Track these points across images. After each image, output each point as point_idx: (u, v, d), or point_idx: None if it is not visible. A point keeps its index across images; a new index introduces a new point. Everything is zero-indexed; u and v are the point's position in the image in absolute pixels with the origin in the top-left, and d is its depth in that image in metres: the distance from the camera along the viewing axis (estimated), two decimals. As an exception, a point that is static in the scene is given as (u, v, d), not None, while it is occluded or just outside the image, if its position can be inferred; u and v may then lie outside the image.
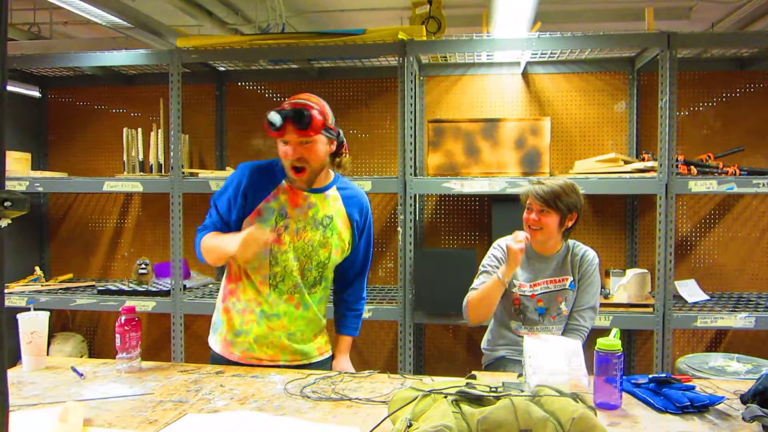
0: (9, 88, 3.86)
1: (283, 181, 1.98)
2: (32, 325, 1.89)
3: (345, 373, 1.92)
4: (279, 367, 1.97)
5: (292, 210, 1.96)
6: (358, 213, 2.07)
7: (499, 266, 2.39)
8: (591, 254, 2.45)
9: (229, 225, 1.98)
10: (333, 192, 2.04)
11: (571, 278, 2.42)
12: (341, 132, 2.00)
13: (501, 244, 2.47)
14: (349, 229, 2.05)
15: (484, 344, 2.59)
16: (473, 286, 2.42)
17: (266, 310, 1.97)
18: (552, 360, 1.65)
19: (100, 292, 3.48)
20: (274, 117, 1.81)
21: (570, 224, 2.38)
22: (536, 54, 3.40)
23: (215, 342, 2.06)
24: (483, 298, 2.33)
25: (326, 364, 2.12)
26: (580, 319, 2.41)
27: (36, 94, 4.07)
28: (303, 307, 2.01)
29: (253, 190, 1.95)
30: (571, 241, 2.47)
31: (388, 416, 1.36)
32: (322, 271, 2.03)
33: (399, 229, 3.13)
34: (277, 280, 1.96)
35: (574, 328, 2.40)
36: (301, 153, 1.86)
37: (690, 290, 3.38)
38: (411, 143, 3.13)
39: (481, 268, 2.46)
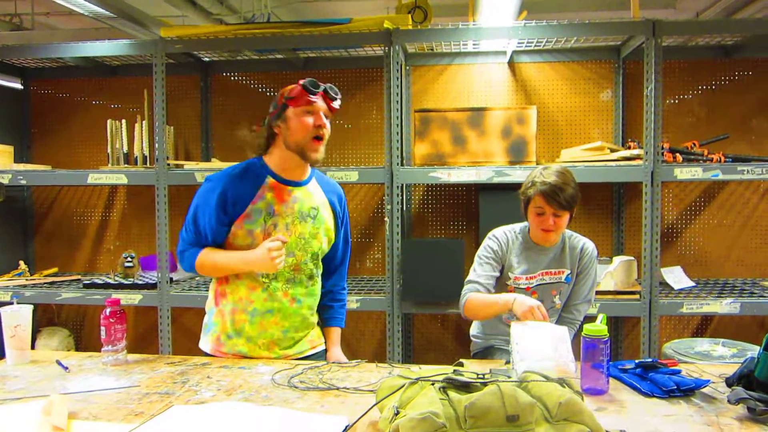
0: (-11, 79, 3.80)
1: (268, 178, 1.96)
2: (15, 319, 1.87)
3: (333, 363, 1.92)
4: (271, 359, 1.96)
5: (279, 206, 1.95)
6: (337, 201, 2.12)
7: (495, 258, 2.36)
8: (590, 246, 2.41)
9: (212, 238, 1.95)
10: (313, 183, 2.06)
11: (567, 271, 2.39)
12: None
13: (497, 234, 2.42)
14: (333, 218, 2.09)
15: (473, 331, 2.58)
16: (473, 278, 2.35)
17: (258, 308, 1.95)
18: (539, 346, 1.66)
19: (86, 286, 3.44)
20: (314, 82, 1.90)
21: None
22: (522, 43, 3.40)
23: (206, 343, 2.04)
24: (486, 306, 2.26)
25: (320, 357, 2.11)
26: (576, 313, 2.40)
27: (18, 85, 4.01)
28: (297, 303, 2.00)
29: (236, 197, 1.91)
30: (567, 232, 2.43)
31: (376, 404, 1.36)
32: (316, 262, 2.05)
33: (386, 219, 3.13)
34: (271, 277, 1.95)
35: (570, 321, 2.39)
36: (325, 123, 1.94)
37: (676, 277, 3.40)
38: (397, 133, 3.12)
39: (477, 258, 2.41)
